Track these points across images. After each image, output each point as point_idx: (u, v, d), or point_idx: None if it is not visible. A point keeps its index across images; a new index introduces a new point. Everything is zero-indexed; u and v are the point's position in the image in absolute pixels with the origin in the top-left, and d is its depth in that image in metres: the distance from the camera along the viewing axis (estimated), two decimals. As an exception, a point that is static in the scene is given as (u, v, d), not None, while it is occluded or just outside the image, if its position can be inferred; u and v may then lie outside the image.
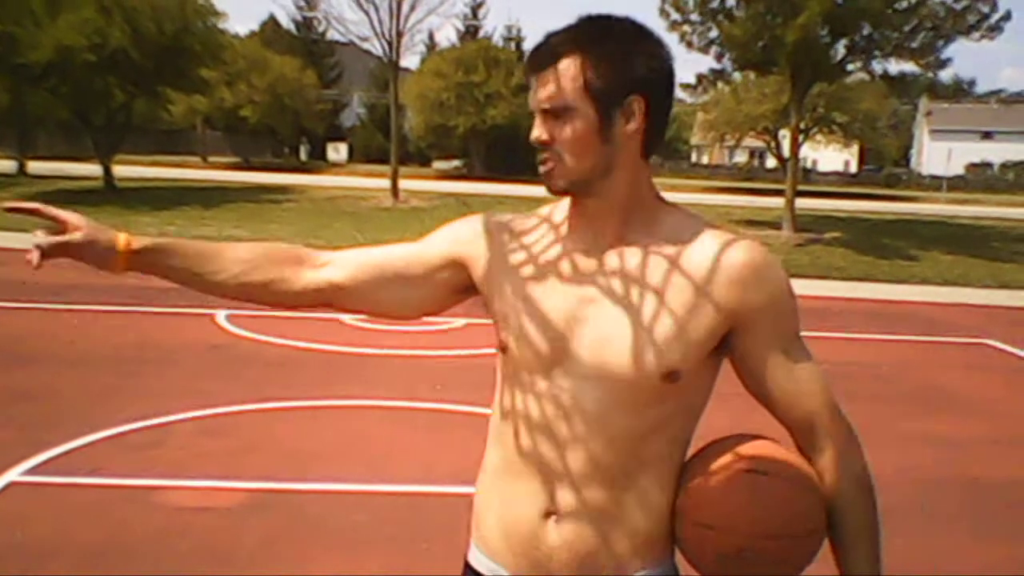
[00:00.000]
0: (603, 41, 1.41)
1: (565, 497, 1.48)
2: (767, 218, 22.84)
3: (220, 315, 9.12)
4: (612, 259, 1.48)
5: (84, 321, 8.85)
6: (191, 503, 4.52)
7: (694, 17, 19.50)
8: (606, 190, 1.46)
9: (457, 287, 1.62)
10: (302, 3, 56.15)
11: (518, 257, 1.55)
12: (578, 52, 1.41)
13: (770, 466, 1.45)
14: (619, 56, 1.41)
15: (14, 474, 4.74)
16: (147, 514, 4.37)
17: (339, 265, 1.63)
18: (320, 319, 8.61)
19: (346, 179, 34.75)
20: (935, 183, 52.76)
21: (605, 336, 1.44)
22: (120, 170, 26.25)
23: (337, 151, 53.46)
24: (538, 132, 1.45)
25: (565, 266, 1.51)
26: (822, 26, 18.04)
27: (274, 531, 4.19)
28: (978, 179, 56.94)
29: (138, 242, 1.59)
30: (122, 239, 1.58)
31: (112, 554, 3.92)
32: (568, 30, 1.44)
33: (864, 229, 22.28)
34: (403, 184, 25.85)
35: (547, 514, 1.49)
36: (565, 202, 1.56)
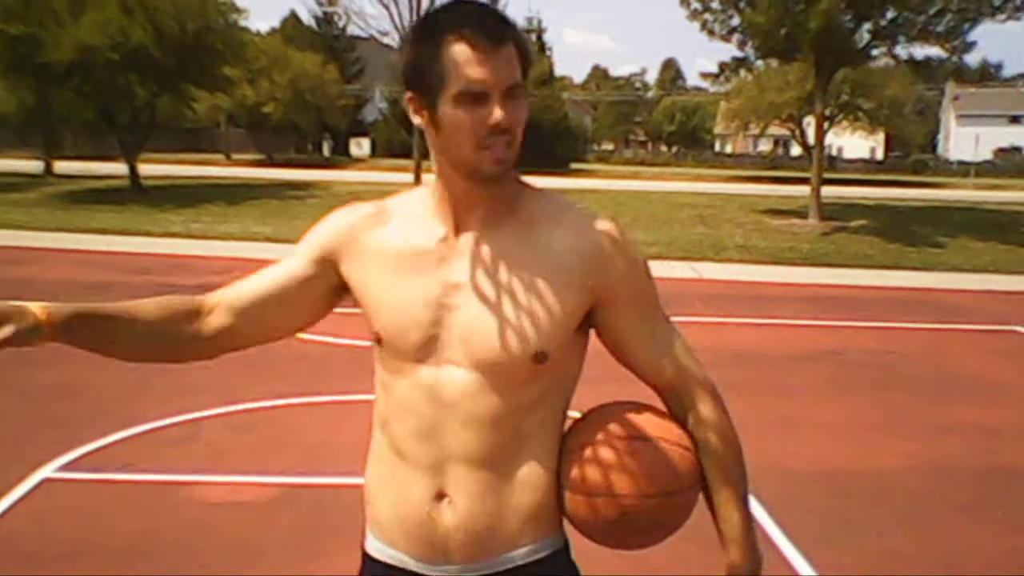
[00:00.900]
0: (517, 26, 1.45)
1: (454, 480, 1.52)
2: (793, 207, 22.68)
3: (247, 311, 9.18)
4: (478, 243, 1.50)
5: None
6: (221, 498, 4.56)
7: (715, 5, 19.37)
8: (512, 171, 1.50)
9: (335, 287, 1.63)
10: (322, -1, 56.27)
11: (383, 247, 1.55)
12: (513, 35, 1.41)
13: (645, 430, 1.55)
14: (525, 38, 1.46)
15: (48, 470, 4.80)
16: (178, 509, 4.41)
17: (224, 309, 1.63)
18: (347, 314, 8.64)
19: (369, 174, 34.85)
20: (963, 169, 52.18)
21: (473, 322, 1.48)
22: (145, 168, 26.45)
23: (360, 146, 53.62)
24: (503, 114, 1.39)
25: (431, 253, 1.51)
26: (845, 11, 17.87)
27: (304, 526, 4.22)
28: (1007, 164, 56.23)
29: (55, 314, 1.49)
30: (41, 314, 1.46)
31: (144, 549, 3.96)
32: (493, 12, 1.43)
33: (891, 216, 22.08)
34: (426, 177, 25.84)
35: (439, 496, 1.52)
36: (421, 188, 1.60)
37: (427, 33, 1.41)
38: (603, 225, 1.52)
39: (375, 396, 1.61)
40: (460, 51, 1.37)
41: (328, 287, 1.62)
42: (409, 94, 1.46)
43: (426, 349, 1.50)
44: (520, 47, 1.42)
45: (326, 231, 1.62)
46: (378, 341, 1.55)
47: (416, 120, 1.48)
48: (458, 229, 1.51)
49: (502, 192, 1.50)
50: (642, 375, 1.66)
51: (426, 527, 1.53)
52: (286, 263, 1.64)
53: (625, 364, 1.65)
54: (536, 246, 1.49)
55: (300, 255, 1.63)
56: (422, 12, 24.10)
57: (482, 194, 1.48)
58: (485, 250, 1.49)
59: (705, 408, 1.66)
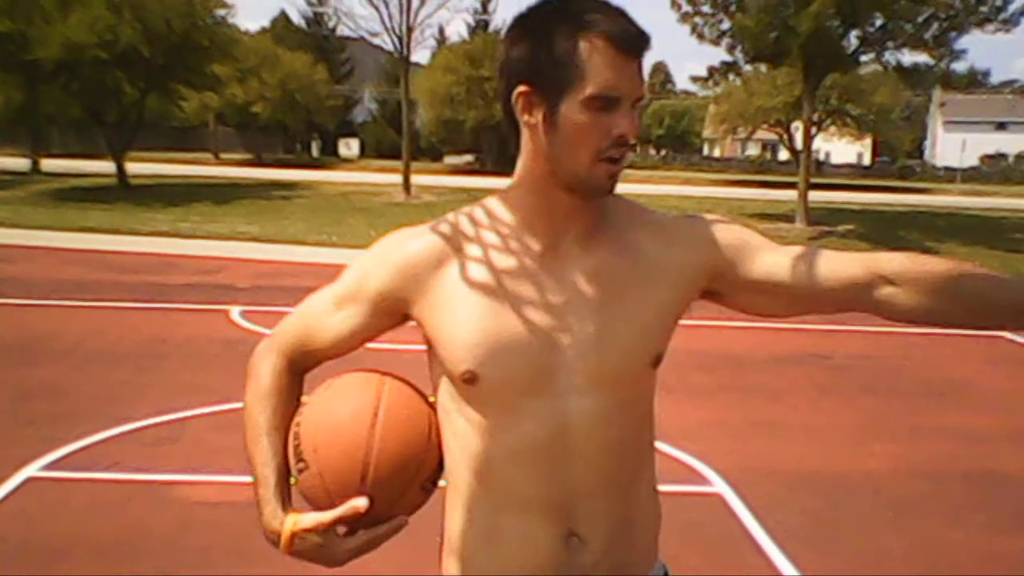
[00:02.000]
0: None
1: (585, 516, 1.40)
2: (780, 211, 22.77)
3: (235, 311, 9.16)
4: (576, 257, 1.39)
5: (101, 317, 8.90)
6: (208, 498, 4.55)
7: (705, 8, 19.42)
8: None
9: (392, 325, 1.49)
10: (313, -1, 56.22)
11: (468, 279, 1.38)
12: (647, 47, 1.32)
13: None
14: None
15: (32, 469, 4.78)
16: (165, 508, 4.40)
17: (299, 372, 1.54)
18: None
19: (358, 175, 34.82)
20: (949, 175, 52.50)
21: (591, 339, 1.36)
22: (133, 167, 26.38)
23: (349, 147, 53.59)
24: (631, 125, 1.30)
25: (527, 274, 1.37)
26: (834, 16, 17.95)
27: (290, 525, 4.20)
28: (993, 170, 56.61)
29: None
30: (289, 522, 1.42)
31: (130, 548, 3.95)
32: (633, 21, 1.31)
33: (878, 221, 22.18)
34: (415, 179, 25.89)
35: (568, 537, 1.39)
36: (494, 201, 1.44)
37: (561, 24, 1.28)
38: (678, 215, 1.51)
39: (452, 444, 1.43)
40: (602, 51, 1.27)
41: (392, 324, 1.49)
42: (523, 88, 1.31)
43: (542, 380, 1.35)
44: (642, 63, 1.33)
45: (388, 273, 1.42)
46: (470, 381, 1.36)
47: (525, 118, 1.33)
48: (553, 244, 1.38)
49: (599, 204, 1.40)
50: (823, 293, 1.41)
51: (554, 571, 1.39)
52: (346, 317, 1.46)
53: (791, 300, 1.44)
54: (628, 251, 1.41)
55: (361, 305, 1.45)
56: (412, 13, 24.21)
57: (581, 207, 1.37)
58: (584, 263, 1.38)
59: (906, 259, 1.40)
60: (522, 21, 1.34)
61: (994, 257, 16.88)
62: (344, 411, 1.39)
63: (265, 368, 1.50)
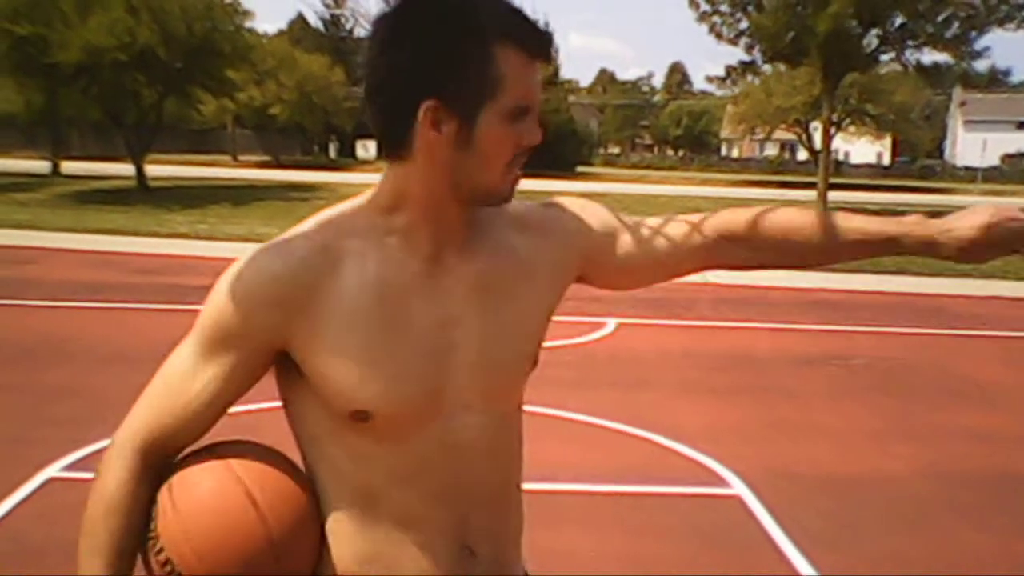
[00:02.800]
0: None
1: (476, 530, 1.34)
2: (798, 211, 22.63)
3: (252, 312, 9.19)
4: (459, 269, 1.30)
5: (120, 319, 8.95)
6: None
7: (724, 8, 19.40)
8: None
9: (261, 375, 1.32)
10: (329, 1, 56.49)
11: (351, 302, 1.23)
12: None
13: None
14: None
15: (53, 470, 4.81)
16: (183, 509, 4.41)
17: (155, 462, 1.30)
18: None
19: (375, 176, 34.49)
20: (970, 174, 52.16)
21: (479, 355, 1.30)
22: (152, 169, 26.52)
23: (366, 148, 53.66)
24: (539, 133, 1.24)
25: (414, 292, 1.26)
26: (853, 16, 17.87)
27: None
28: (1014, 170, 56.20)
29: None
30: None
31: (149, 549, 3.96)
32: (536, 23, 1.24)
33: (897, 221, 22.02)
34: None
35: (462, 550, 1.33)
36: (361, 211, 1.30)
37: (465, 28, 1.17)
38: (536, 204, 1.44)
39: (328, 476, 1.31)
40: (517, 59, 1.19)
41: (263, 372, 1.31)
42: (431, 102, 1.17)
43: (434, 405, 1.27)
44: None
45: (264, 303, 1.22)
46: (360, 419, 1.24)
47: (430, 135, 1.19)
48: (435, 256, 1.27)
49: (477, 211, 1.32)
50: (679, 263, 1.47)
51: None
52: (217, 373, 1.27)
53: (657, 274, 1.49)
54: (503, 252, 1.34)
55: (237, 349, 1.25)
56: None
57: (466, 217, 1.29)
58: (467, 274, 1.30)
59: (749, 211, 1.47)
60: (404, 23, 1.20)
61: (1016, 258, 16.72)
62: (211, 500, 1.25)
63: (114, 476, 1.27)
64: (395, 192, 1.27)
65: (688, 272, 1.50)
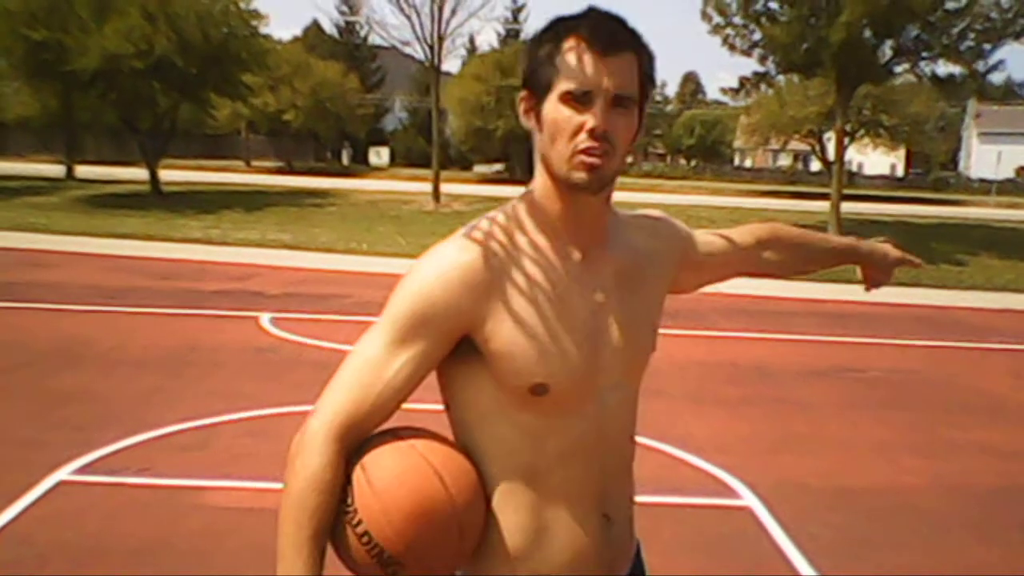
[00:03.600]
0: (644, 41, 1.42)
1: (614, 500, 1.53)
2: (812, 222, 22.58)
3: (264, 318, 9.22)
4: (600, 258, 1.49)
5: (133, 324, 8.98)
6: (237, 503, 4.56)
7: (737, 20, 19.37)
8: (610, 188, 1.47)
9: (446, 353, 1.43)
10: (344, 8, 56.75)
11: (526, 282, 1.40)
12: (635, 47, 1.38)
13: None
14: (652, 59, 1.43)
15: (64, 473, 4.82)
16: (194, 513, 4.42)
17: (350, 445, 1.40)
18: (363, 322, 8.66)
19: (388, 183, 34.97)
20: (984, 187, 51.87)
21: (622, 337, 1.48)
22: (166, 174, 26.64)
23: (379, 155, 53.84)
24: (601, 121, 1.34)
25: (570, 279, 1.44)
26: (867, 27, 17.82)
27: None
28: (1028, 183, 55.84)
29: None
30: None
31: (160, 552, 3.97)
32: (619, 22, 1.39)
33: (911, 233, 21.95)
34: (444, 188, 25.96)
35: (602, 517, 1.50)
36: (520, 209, 1.48)
37: (549, 33, 1.39)
38: (643, 213, 1.68)
39: (495, 454, 1.44)
40: (575, 49, 1.35)
41: (446, 355, 1.43)
42: (523, 92, 1.43)
43: (594, 380, 1.45)
44: (643, 65, 1.40)
45: (455, 292, 1.37)
46: (539, 392, 1.39)
47: (526, 122, 1.44)
48: (584, 248, 1.47)
49: (604, 207, 1.48)
50: (733, 266, 1.83)
51: (600, 552, 1.50)
52: (410, 359, 1.39)
53: (720, 276, 1.83)
54: (631, 250, 1.54)
55: (428, 337, 1.38)
56: (443, 22, 24.34)
57: (585, 208, 1.44)
58: (609, 266, 1.49)
59: (780, 227, 1.92)
60: (535, 34, 1.45)
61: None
62: (406, 478, 1.36)
63: (318, 458, 1.36)
64: (534, 183, 1.48)
65: (732, 275, 1.85)
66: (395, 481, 1.36)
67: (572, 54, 1.35)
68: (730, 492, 4.95)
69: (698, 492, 4.93)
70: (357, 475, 1.37)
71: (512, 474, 1.43)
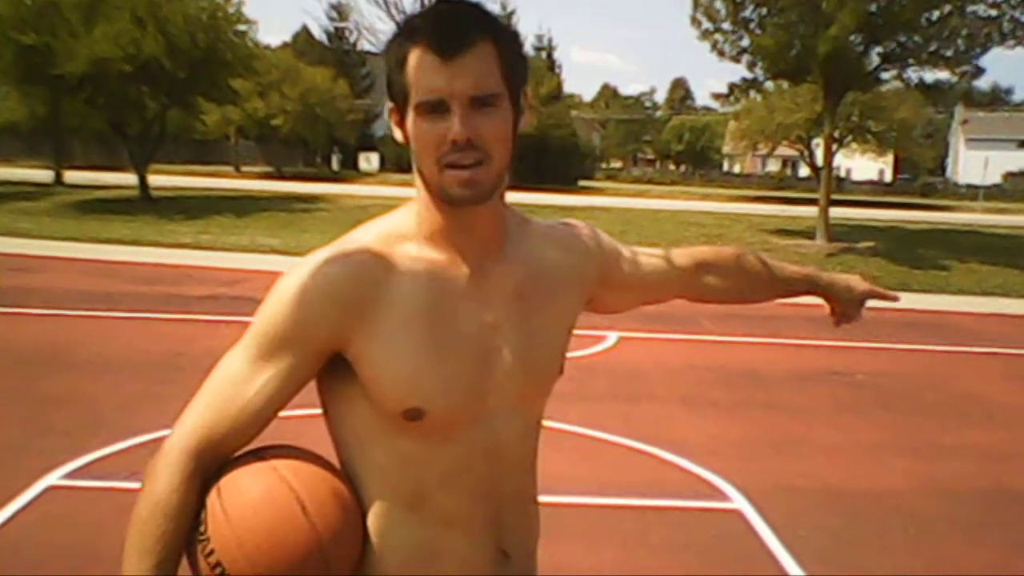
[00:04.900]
0: (499, 25, 1.29)
1: (508, 533, 1.40)
2: (800, 227, 22.67)
3: (253, 323, 9.19)
4: (500, 273, 1.36)
5: (121, 328, 8.96)
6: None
7: (726, 26, 19.42)
8: (498, 193, 1.33)
9: (311, 378, 1.35)
10: (334, 14, 56.69)
11: (404, 297, 1.28)
12: (491, 35, 1.25)
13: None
14: (518, 44, 1.32)
15: (53, 478, 4.80)
16: (182, 519, 4.40)
17: (206, 465, 1.31)
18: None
19: (378, 188, 34.91)
20: (971, 192, 52.16)
21: (516, 359, 1.36)
22: (155, 180, 26.54)
23: (369, 161, 53.76)
24: (462, 128, 1.22)
25: (459, 294, 1.32)
26: (854, 34, 17.91)
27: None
28: (1016, 188, 56.17)
29: None
30: None
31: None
32: (465, 14, 1.27)
33: (899, 239, 22.06)
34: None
35: (497, 552, 1.39)
36: (405, 217, 1.37)
37: (396, 40, 1.28)
38: (558, 222, 1.54)
39: (374, 478, 1.34)
40: (419, 57, 1.23)
41: (313, 376, 1.34)
42: (390, 106, 1.32)
43: (479, 405, 1.33)
44: (503, 50, 1.26)
45: (324, 306, 1.27)
46: (413, 417, 1.28)
47: (398, 135, 1.32)
48: (483, 258, 1.35)
49: (495, 217, 1.36)
50: (669, 289, 1.70)
51: None
52: (273, 376, 1.29)
53: (653, 298, 1.71)
54: (535, 264, 1.42)
55: (293, 353, 1.28)
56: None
57: (473, 221, 1.32)
58: (505, 282, 1.36)
59: (713, 249, 1.78)
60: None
61: (1015, 275, 16.75)
62: (262, 505, 1.25)
63: (167, 480, 1.28)
64: (417, 196, 1.36)
65: (668, 298, 1.72)
66: (249, 507, 1.25)
67: (417, 62, 1.24)
68: (720, 495, 4.96)
69: (688, 495, 4.94)
70: (212, 499, 1.27)
71: (389, 499, 1.33)
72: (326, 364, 1.31)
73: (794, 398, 7.29)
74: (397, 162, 51.58)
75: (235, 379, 1.30)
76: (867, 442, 6.20)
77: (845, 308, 1.87)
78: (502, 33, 1.28)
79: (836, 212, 22.45)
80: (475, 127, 1.23)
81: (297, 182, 38.22)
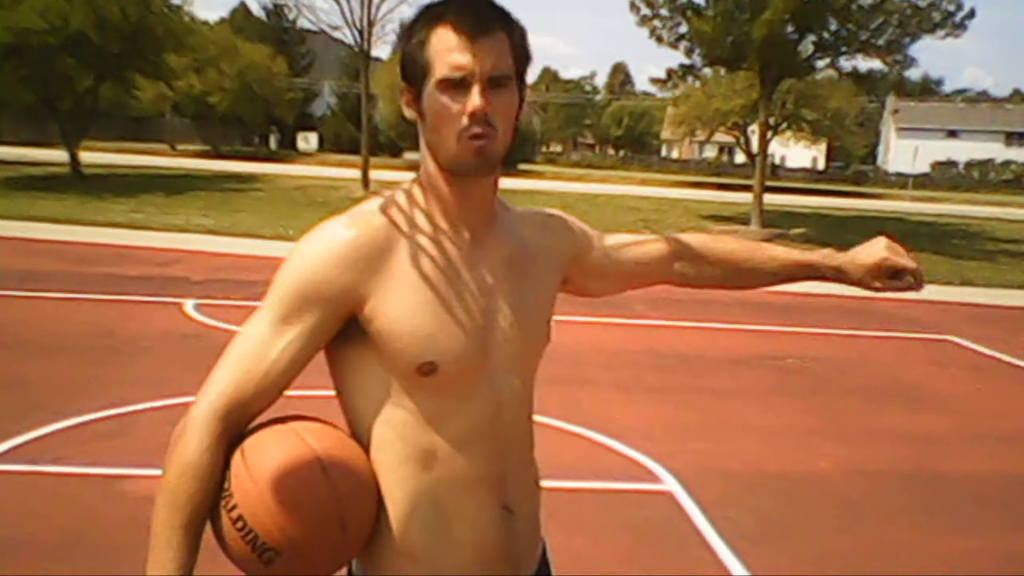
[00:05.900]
0: (512, 17, 1.42)
1: (513, 491, 1.51)
2: (735, 213, 23.00)
3: (189, 304, 9.07)
4: (490, 242, 1.49)
5: (51, 308, 8.76)
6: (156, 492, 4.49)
7: (664, 12, 19.58)
8: (498, 169, 1.48)
9: (332, 336, 1.42)
10: (273, -9, 55.72)
11: (415, 259, 1.40)
12: (504, 25, 1.39)
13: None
14: (526, 38, 1.44)
15: (-22, 462, 4.70)
16: (112, 503, 4.34)
17: (233, 428, 1.39)
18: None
19: (316, 169, 34.58)
20: (901, 181, 53.38)
21: (516, 324, 1.48)
22: (87, 156, 25.96)
23: (307, 141, 53.21)
24: (481, 103, 1.34)
25: (460, 259, 1.44)
26: (789, 22, 18.16)
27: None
28: (943, 177, 57.66)
29: None
30: None
31: (79, 543, 3.90)
32: (485, 2, 1.40)
33: (830, 225, 22.49)
34: (374, 174, 25.78)
35: (503, 509, 1.48)
36: (409, 190, 1.48)
37: (418, 23, 1.39)
38: (536, 209, 1.67)
39: (389, 440, 1.42)
40: (444, 37, 1.35)
41: (335, 334, 1.41)
42: (402, 85, 1.43)
43: (484, 363, 1.44)
44: (515, 40, 1.40)
45: (341, 268, 1.36)
46: (427, 372, 1.38)
47: (408, 113, 1.44)
48: (474, 230, 1.46)
49: (492, 190, 1.49)
50: (641, 274, 1.76)
51: (504, 547, 1.49)
52: (295, 337, 1.38)
53: (635, 283, 1.78)
54: (521, 240, 1.55)
55: (313, 315, 1.37)
56: (373, 7, 24.13)
57: (474, 192, 1.45)
58: (500, 250, 1.49)
59: (697, 237, 1.80)
60: (406, 24, 1.46)
61: (941, 262, 17.21)
62: (285, 464, 1.33)
63: (197, 441, 1.35)
64: (421, 169, 1.47)
65: (647, 284, 1.78)
66: (273, 464, 1.32)
67: (442, 42, 1.35)
68: (652, 477, 5.04)
69: (621, 477, 5.01)
70: (236, 458, 1.35)
71: (406, 461, 1.41)
72: (339, 335, 1.40)
73: (726, 382, 7.42)
74: (336, 142, 51.13)
75: (259, 342, 1.38)
76: (798, 426, 6.33)
77: (868, 285, 1.70)
78: (514, 25, 1.41)
79: (770, 199, 22.83)
80: (491, 103, 1.35)
81: (234, 161, 37.68)
